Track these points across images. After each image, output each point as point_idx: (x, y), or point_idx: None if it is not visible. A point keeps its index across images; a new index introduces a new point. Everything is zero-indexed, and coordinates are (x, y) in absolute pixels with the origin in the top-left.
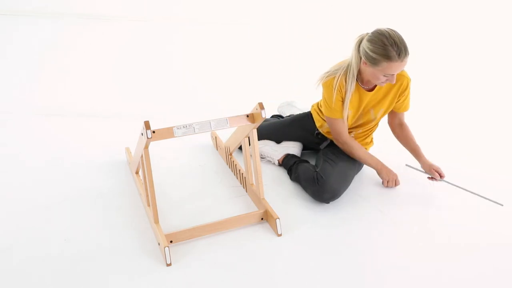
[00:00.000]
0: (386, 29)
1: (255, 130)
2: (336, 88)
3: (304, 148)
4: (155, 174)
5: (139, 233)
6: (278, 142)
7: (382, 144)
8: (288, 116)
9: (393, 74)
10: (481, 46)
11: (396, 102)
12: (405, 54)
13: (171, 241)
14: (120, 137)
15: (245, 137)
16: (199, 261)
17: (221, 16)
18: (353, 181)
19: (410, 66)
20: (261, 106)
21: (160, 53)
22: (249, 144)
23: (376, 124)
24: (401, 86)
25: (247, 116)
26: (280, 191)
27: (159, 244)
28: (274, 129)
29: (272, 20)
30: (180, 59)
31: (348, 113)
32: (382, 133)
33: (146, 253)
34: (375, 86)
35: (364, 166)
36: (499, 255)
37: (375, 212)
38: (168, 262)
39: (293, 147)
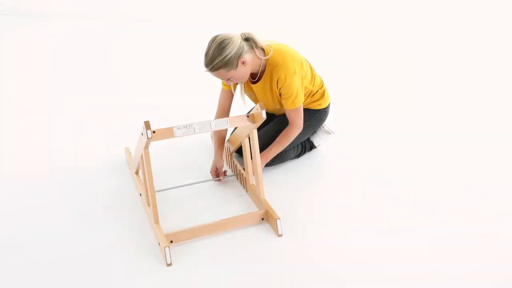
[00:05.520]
0: (216, 36)
1: (255, 130)
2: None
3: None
4: (155, 174)
5: (139, 233)
6: None
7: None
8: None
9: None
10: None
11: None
12: (205, 66)
13: (171, 241)
14: (120, 137)
15: (245, 137)
16: (199, 261)
17: (220, 16)
18: (352, 181)
19: (409, 65)
20: (261, 106)
21: (160, 53)
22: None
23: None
24: (273, 78)
25: (247, 116)
26: (280, 191)
27: (159, 244)
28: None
29: (271, 20)
30: (180, 59)
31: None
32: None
33: (146, 253)
34: (258, 79)
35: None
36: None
37: (375, 212)
38: (168, 262)
39: None
